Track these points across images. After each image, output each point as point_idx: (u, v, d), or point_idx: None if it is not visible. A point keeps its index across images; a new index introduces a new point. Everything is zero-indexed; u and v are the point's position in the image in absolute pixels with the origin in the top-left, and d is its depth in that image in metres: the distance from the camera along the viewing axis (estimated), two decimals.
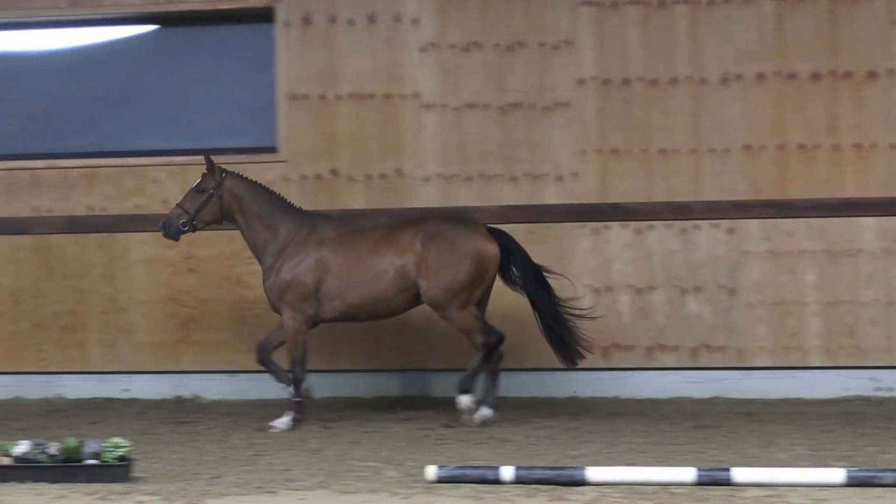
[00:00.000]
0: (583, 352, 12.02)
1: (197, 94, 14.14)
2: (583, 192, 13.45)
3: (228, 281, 13.67)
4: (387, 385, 13.57)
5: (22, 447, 9.03)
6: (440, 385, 13.35)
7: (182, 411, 12.98)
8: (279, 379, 11.98)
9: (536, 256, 12.26)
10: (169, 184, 13.82)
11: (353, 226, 12.31)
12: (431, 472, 8.73)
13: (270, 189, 12.34)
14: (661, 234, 13.39)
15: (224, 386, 13.67)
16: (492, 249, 11.74)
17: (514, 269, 11.96)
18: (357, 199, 13.60)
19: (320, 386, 12.75)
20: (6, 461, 9.01)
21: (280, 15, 13.74)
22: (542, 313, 11.94)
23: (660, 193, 13.39)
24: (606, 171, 13.44)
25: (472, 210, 13.36)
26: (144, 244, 13.79)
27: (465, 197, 13.48)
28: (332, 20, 13.72)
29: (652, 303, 13.41)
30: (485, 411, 11.75)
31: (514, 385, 13.13)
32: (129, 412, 13.00)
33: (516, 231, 13.12)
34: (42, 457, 8.98)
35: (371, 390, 13.52)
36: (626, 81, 13.44)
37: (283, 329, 12.02)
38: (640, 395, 13.29)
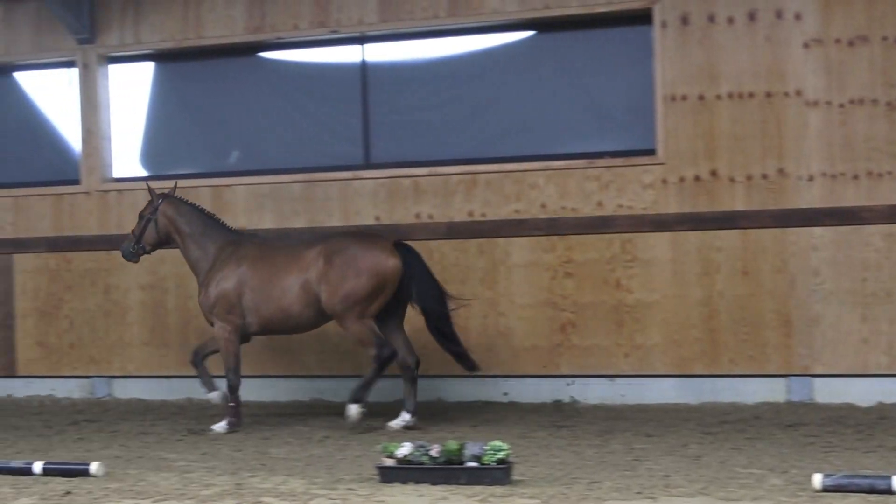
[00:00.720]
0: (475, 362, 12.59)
1: (573, 98, 14.12)
2: None
3: (607, 284, 13.58)
4: (771, 391, 13.17)
5: (405, 449, 9.17)
6: (825, 391, 12.95)
7: (561, 415, 12.96)
8: (204, 384, 12.88)
9: None
10: (547, 188, 13.85)
11: (274, 244, 12.98)
12: (817, 480, 8.41)
13: (205, 211, 13.21)
14: None
15: (602, 390, 13.59)
16: (391, 264, 12.27)
17: (413, 285, 12.37)
18: (738, 201, 13.28)
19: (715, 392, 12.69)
20: (390, 462, 9.18)
21: (657, 16, 13.56)
22: (437, 328, 12.45)
23: None
24: None
25: (860, 210, 12.92)
26: (523, 249, 13.88)
27: (852, 196, 12.98)
28: (711, 19, 13.44)
29: None
30: (405, 417, 12.31)
31: None
32: (508, 415, 13.07)
33: None
34: (424, 458, 9.10)
35: (754, 396, 13.17)
36: None
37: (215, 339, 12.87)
38: None
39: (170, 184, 14.97)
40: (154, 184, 15.04)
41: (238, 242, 12.90)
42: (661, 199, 13.51)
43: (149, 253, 13.24)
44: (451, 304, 12.57)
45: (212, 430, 12.43)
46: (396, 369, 12.54)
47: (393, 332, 12.52)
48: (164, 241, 13.18)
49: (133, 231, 13.24)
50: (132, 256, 13.23)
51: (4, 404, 15.18)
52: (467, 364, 12.59)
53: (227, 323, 12.63)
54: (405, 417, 12.31)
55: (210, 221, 13.07)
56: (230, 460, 10.64)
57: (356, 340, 12.43)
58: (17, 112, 16.06)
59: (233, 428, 12.44)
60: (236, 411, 12.58)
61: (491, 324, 13.97)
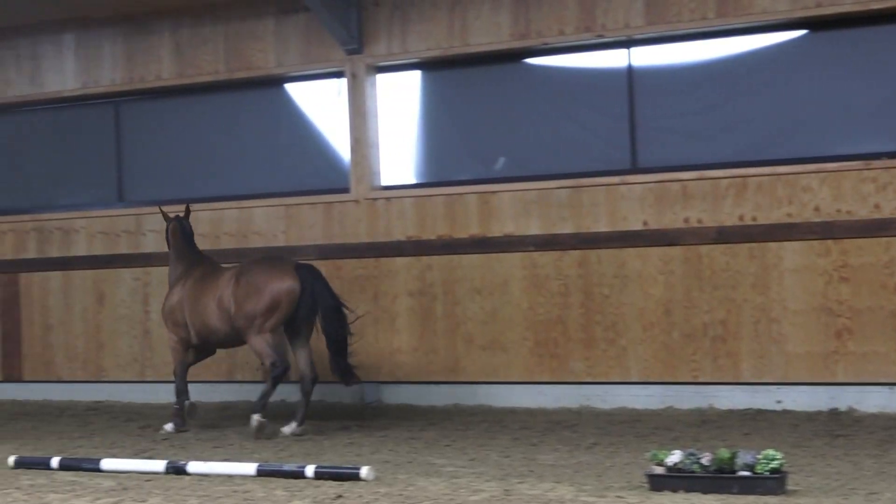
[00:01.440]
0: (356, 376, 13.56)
1: (847, 98, 13.69)
2: None
3: (886, 289, 13.12)
4: None
5: (675, 457, 9.06)
6: None
7: (837, 424, 12.57)
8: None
9: None
10: (821, 191, 13.46)
11: (216, 266, 14.21)
12: None
13: (188, 233, 14.49)
14: None
15: (881, 399, 13.11)
16: (286, 286, 13.33)
17: (313, 303, 13.33)
18: None
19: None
20: (660, 470, 9.08)
21: None
22: (334, 342, 13.30)
23: None
24: None
25: None
26: (796, 253, 13.51)
27: None
28: None
29: None
30: (293, 426, 13.28)
31: None
32: (782, 424, 12.74)
33: None
34: (695, 467, 8.96)
35: None
36: None
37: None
38: None
39: (435, 191, 15.15)
40: (419, 192, 15.25)
41: (194, 264, 14.28)
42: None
43: None
44: (351, 318, 13.55)
45: (163, 429, 13.86)
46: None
47: (298, 348, 13.54)
48: None
49: None
50: None
51: (279, 409, 15.51)
52: (347, 379, 13.48)
53: (174, 334, 14.13)
54: (293, 426, 13.27)
55: (187, 244, 14.47)
56: (498, 466, 10.63)
57: (255, 353, 13.66)
58: (287, 122, 16.42)
59: (178, 428, 13.83)
60: (179, 412, 13.97)
61: (763, 330, 13.63)
